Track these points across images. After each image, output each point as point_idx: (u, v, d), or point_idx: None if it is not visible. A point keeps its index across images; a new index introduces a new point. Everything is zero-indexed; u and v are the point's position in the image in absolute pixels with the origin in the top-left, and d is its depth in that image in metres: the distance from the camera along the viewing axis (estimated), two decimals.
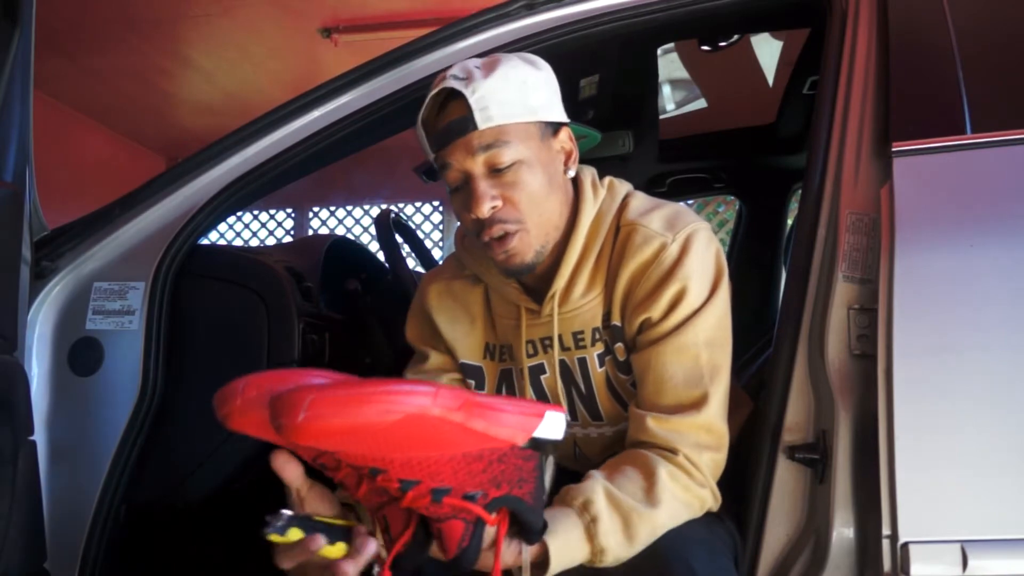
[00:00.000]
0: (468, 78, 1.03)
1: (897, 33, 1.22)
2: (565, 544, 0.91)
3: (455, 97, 1.03)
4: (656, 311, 1.05)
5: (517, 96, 1.04)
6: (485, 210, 1.03)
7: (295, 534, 0.76)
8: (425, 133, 1.07)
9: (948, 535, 1.00)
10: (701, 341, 1.04)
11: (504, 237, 1.04)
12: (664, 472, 0.99)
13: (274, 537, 0.76)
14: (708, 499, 1.03)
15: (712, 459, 1.03)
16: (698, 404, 1.02)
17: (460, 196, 1.06)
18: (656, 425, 1.02)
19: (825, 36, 1.29)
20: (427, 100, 1.05)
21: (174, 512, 1.55)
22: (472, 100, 1.01)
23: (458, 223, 1.17)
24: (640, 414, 1.04)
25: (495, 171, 1.03)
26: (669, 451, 1.01)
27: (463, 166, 1.04)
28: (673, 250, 1.05)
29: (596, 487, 0.96)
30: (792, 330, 1.16)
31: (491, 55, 1.10)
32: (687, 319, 1.04)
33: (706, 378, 1.03)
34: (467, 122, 1.02)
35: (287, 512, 0.77)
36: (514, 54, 1.10)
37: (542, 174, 1.05)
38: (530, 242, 1.06)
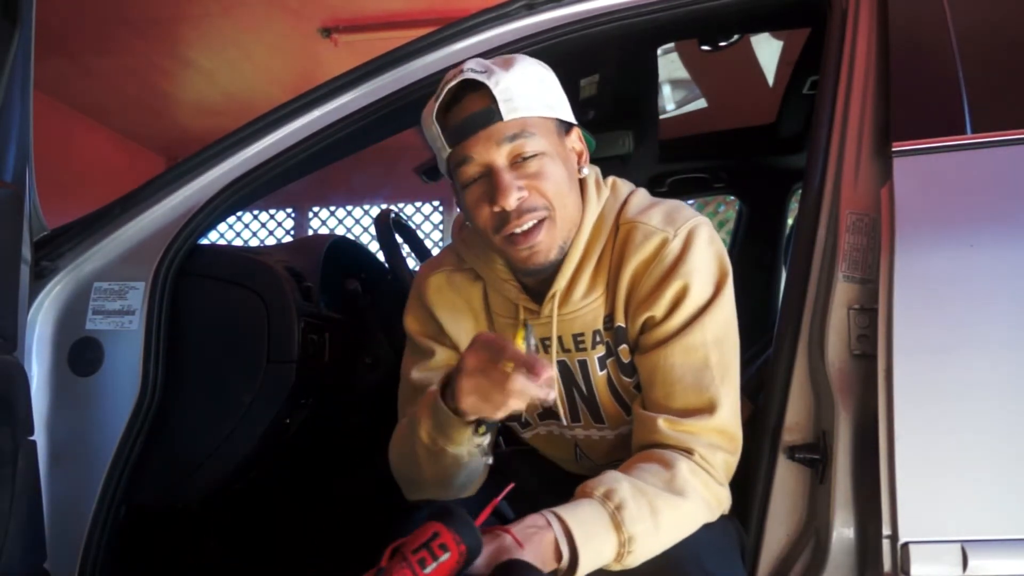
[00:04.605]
0: (488, 71, 1.00)
1: (897, 33, 1.22)
2: (591, 536, 0.87)
3: (474, 90, 1.00)
4: (659, 309, 1.02)
5: (537, 91, 1.02)
6: (512, 201, 0.99)
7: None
8: (440, 128, 1.03)
9: (948, 535, 1.00)
10: (709, 340, 1.02)
11: (532, 229, 1.01)
12: (684, 466, 0.96)
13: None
14: (725, 500, 1.02)
15: (725, 461, 1.01)
16: (711, 407, 1.00)
17: (477, 190, 1.02)
18: (668, 427, 1.00)
19: (825, 36, 1.28)
20: (442, 93, 1.02)
21: (174, 512, 1.54)
22: (496, 91, 0.99)
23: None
24: (650, 416, 1.01)
25: (517, 163, 1.00)
26: (684, 451, 0.99)
27: (485, 158, 1.00)
28: (675, 246, 1.03)
29: (616, 475, 0.94)
30: (792, 330, 1.16)
31: (501, 56, 1.09)
32: (693, 318, 1.02)
33: (717, 379, 1.01)
34: (491, 113, 0.99)
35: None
36: (516, 55, 1.08)
37: (563, 167, 1.03)
38: (555, 235, 1.03)
